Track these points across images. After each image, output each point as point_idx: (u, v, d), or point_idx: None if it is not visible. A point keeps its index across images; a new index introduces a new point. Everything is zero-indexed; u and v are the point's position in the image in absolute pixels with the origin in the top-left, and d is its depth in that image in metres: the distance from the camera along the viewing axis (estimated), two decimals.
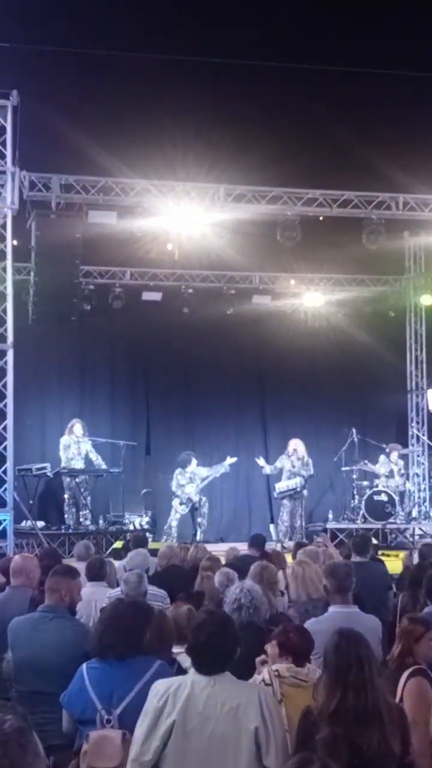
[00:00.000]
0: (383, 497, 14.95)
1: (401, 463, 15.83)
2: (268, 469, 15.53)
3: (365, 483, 15.37)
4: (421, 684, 4.24)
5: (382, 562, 8.57)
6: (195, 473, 14.86)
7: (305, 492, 15.18)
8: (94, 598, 6.50)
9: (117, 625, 4.19)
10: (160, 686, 3.63)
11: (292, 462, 15.19)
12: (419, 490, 16.90)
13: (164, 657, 4.59)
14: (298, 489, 14.97)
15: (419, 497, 16.80)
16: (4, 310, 12.03)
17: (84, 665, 4.16)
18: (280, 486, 15.18)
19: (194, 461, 14.93)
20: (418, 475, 17.01)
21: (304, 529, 14.95)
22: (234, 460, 15.20)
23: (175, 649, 4.81)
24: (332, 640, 3.47)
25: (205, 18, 11.61)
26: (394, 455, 15.66)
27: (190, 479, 14.81)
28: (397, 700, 4.11)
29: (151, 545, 10.74)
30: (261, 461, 15.66)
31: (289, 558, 8.55)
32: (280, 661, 4.33)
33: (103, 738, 3.86)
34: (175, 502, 14.81)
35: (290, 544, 13.77)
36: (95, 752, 3.84)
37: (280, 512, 15.32)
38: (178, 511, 14.78)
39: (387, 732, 3.21)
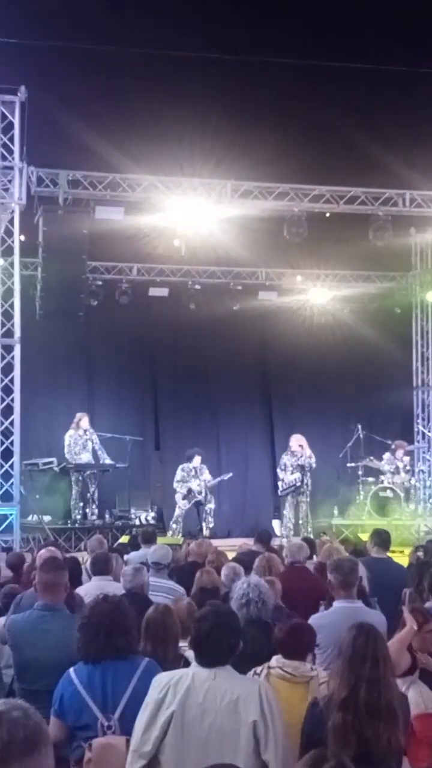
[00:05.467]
0: (388, 493, 14.95)
1: (407, 459, 15.81)
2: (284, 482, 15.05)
3: (371, 479, 15.37)
4: None
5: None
6: (198, 469, 14.84)
7: (308, 486, 14.94)
8: (99, 592, 6.53)
9: (100, 625, 4.05)
10: (161, 678, 3.64)
11: (296, 458, 15.01)
12: (425, 487, 16.88)
13: (169, 653, 4.62)
14: (298, 484, 14.80)
15: (424, 494, 16.79)
16: (12, 306, 12.08)
17: (71, 669, 4.02)
18: (282, 484, 14.99)
19: (198, 458, 14.90)
20: (423, 472, 16.99)
21: (312, 525, 14.91)
22: (230, 474, 15.29)
23: (182, 644, 4.85)
24: (350, 633, 3.47)
25: (212, 15, 11.62)
26: (400, 452, 15.64)
27: (194, 475, 14.81)
28: None
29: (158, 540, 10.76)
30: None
31: None
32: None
33: (107, 746, 3.72)
34: (177, 496, 14.84)
35: (295, 540, 13.74)
36: (100, 761, 3.69)
37: (285, 509, 15.15)
38: (179, 506, 14.81)
39: (397, 728, 3.25)
